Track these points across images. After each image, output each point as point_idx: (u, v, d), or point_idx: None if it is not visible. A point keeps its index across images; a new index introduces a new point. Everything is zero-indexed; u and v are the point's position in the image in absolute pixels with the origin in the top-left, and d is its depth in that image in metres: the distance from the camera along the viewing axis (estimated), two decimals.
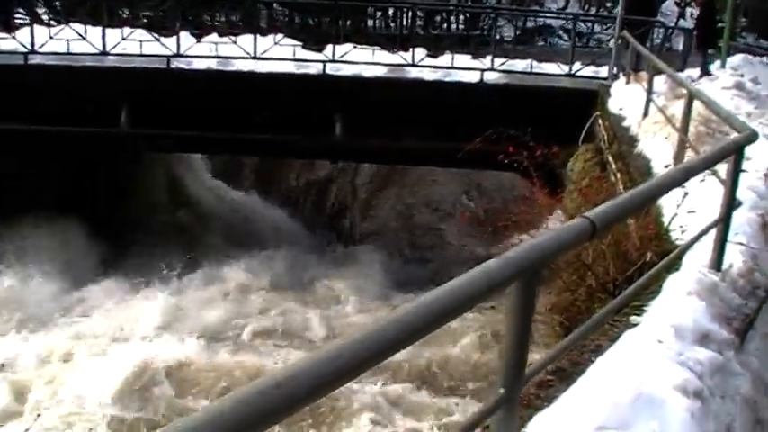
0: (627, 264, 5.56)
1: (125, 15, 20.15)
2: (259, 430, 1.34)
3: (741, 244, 5.21)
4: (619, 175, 8.23)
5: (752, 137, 4.90)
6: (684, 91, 8.81)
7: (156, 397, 9.24)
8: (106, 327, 11.55)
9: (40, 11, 21.81)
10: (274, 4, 22.23)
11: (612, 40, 14.45)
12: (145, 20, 20.17)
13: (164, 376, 9.55)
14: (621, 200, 3.12)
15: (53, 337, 11.09)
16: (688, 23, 26.98)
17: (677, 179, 3.72)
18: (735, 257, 5.00)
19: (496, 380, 2.36)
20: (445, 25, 27.05)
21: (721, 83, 11.86)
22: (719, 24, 15.49)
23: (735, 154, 4.63)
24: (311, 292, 13.77)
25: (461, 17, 27.11)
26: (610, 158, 9.15)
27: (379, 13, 26.52)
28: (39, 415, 8.89)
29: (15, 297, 12.24)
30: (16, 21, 18.64)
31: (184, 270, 13.95)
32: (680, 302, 4.12)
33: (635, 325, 4.00)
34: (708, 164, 4.18)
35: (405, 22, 24.93)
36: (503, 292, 2.22)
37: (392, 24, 26.19)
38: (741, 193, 5.22)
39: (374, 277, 14.34)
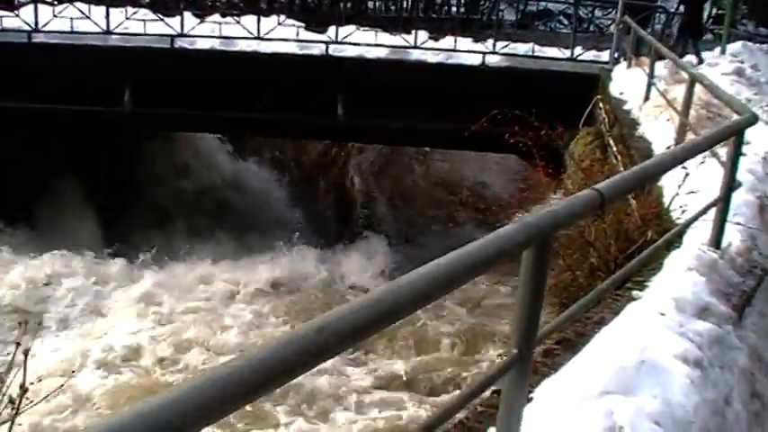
0: (628, 242, 5.68)
1: None
2: (299, 372, 1.46)
3: (739, 224, 5.33)
4: (620, 157, 8.34)
5: (752, 119, 5.01)
6: (685, 76, 8.93)
7: None
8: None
9: None
10: None
11: (613, 25, 14.54)
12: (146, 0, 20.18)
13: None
14: (627, 173, 3.24)
15: None
16: None
17: (681, 156, 3.83)
18: (733, 237, 5.12)
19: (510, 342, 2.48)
20: (446, 8, 27.06)
21: (721, 69, 11.96)
22: (720, 11, 15.65)
23: (736, 135, 4.74)
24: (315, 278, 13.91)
25: (462, 0, 27.15)
26: (611, 141, 9.26)
27: None
28: None
29: None
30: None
31: (182, 255, 14.11)
32: (681, 277, 4.24)
33: (637, 299, 4.12)
34: (711, 143, 4.29)
35: (405, 5, 24.98)
36: (518, 256, 2.33)
37: (392, 7, 26.24)
38: (740, 176, 5.33)
39: (377, 262, 14.46)
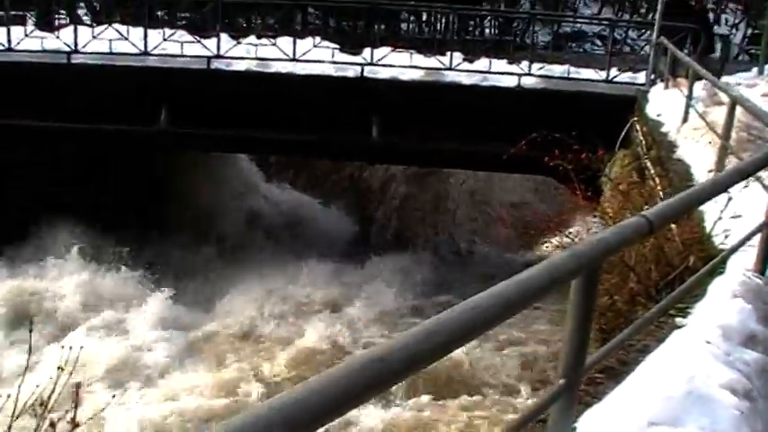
0: (669, 268, 5.60)
1: (163, 17, 20.45)
2: (362, 401, 1.44)
3: None
4: (658, 180, 8.25)
5: None
6: (724, 97, 8.84)
7: None
8: None
9: (81, 11, 22.19)
10: (309, 8, 22.38)
11: (648, 47, 14.47)
12: (183, 21, 20.47)
13: None
14: (674, 200, 3.19)
15: None
16: (722, 30, 26.83)
17: (726, 182, 3.77)
18: None
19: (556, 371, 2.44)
20: (479, 30, 27.12)
21: (760, 90, 11.83)
22: (756, 31, 15.63)
23: None
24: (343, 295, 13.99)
25: (495, 22, 27.20)
26: (648, 164, 9.17)
27: (412, 18, 26.69)
28: None
29: None
30: (59, 21, 19.06)
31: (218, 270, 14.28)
32: (725, 304, 4.16)
33: (680, 326, 4.05)
34: (756, 167, 4.23)
35: (438, 27, 25.06)
36: (567, 285, 2.30)
37: (426, 29, 26.35)
38: None
39: (409, 280, 14.48)
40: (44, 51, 13.21)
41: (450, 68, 13.37)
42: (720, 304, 4.18)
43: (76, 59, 13.14)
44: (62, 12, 20.89)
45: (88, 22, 18.06)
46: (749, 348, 3.77)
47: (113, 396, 7.01)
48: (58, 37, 13.61)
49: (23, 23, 16.45)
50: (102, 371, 10.59)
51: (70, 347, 4.15)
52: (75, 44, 13.14)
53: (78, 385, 3.65)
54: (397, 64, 13.37)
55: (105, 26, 13.71)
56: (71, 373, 3.73)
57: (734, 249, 4.52)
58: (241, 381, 10.65)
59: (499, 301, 1.95)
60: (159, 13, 19.67)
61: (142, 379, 10.65)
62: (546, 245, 14.21)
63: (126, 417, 9.29)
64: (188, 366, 11.11)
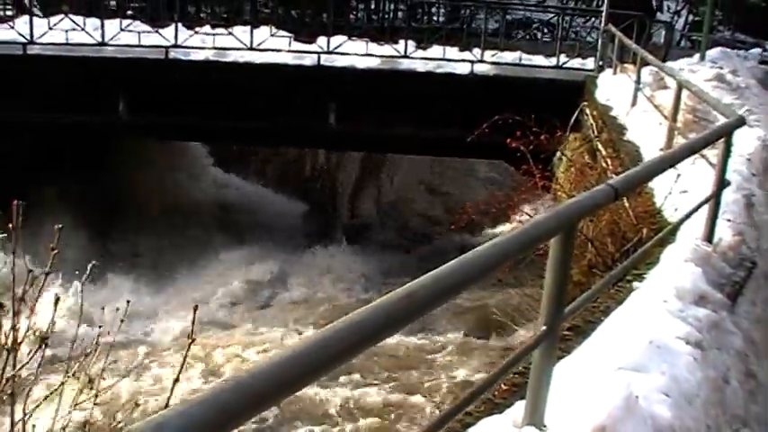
0: (624, 240, 6.00)
1: (112, 7, 20.32)
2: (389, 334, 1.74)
3: (729, 220, 5.66)
4: (609, 161, 8.67)
5: (740, 121, 5.36)
6: (670, 82, 9.30)
7: None
8: None
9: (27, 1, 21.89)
10: None
11: (595, 34, 14.95)
12: (131, 11, 20.37)
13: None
14: (634, 171, 3.55)
15: None
16: (665, 16, 27.55)
17: (678, 156, 4.15)
18: (724, 232, 5.45)
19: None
20: (426, 18, 27.44)
21: (702, 75, 12.33)
22: (696, 18, 16.12)
23: (726, 137, 5.08)
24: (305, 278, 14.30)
25: (442, 10, 27.54)
26: (599, 146, 9.59)
27: (362, 6, 26.93)
28: None
29: None
30: (5, 12, 18.81)
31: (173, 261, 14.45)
32: (678, 269, 4.55)
33: (638, 289, 4.43)
34: (704, 143, 4.63)
35: (388, 16, 25.33)
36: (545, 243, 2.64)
37: (374, 17, 26.61)
38: (728, 175, 5.66)
39: (367, 268, 14.82)
40: None
41: (405, 56, 13.67)
42: (673, 269, 4.58)
43: (32, 50, 13.11)
44: (8, 3, 20.61)
45: (38, 13, 17.89)
46: (700, 306, 4.17)
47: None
48: (12, 27, 13.56)
49: None
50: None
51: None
52: (31, 35, 13.11)
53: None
54: (352, 52, 13.61)
55: (61, 17, 13.68)
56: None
57: (684, 219, 4.91)
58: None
59: (493, 252, 2.26)
60: (112, 1, 19.54)
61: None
62: (500, 227, 14.63)
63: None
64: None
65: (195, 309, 3.67)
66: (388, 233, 17.71)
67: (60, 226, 3.79)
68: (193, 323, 3.73)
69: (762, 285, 5.41)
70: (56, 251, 3.74)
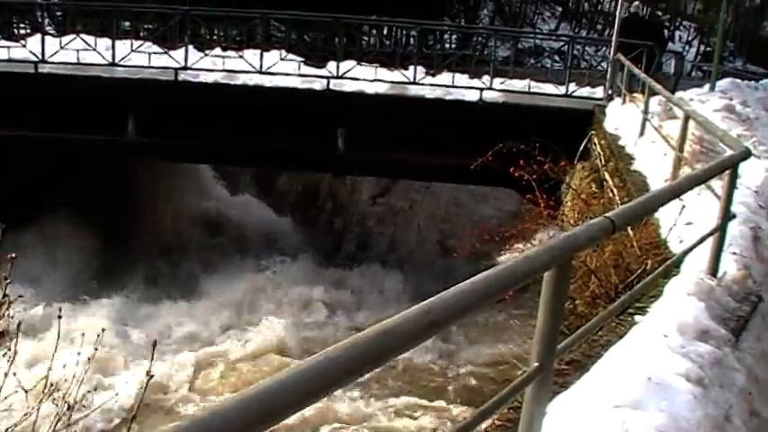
0: (628, 272, 5.92)
1: (128, 28, 20.45)
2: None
3: (735, 253, 5.58)
4: (616, 191, 8.61)
5: (746, 153, 5.29)
6: (678, 112, 9.24)
7: None
8: None
9: (44, 21, 22.05)
10: (271, 21, 22.54)
11: (605, 63, 14.93)
12: (146, 33, 20.49)
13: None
14: (633, 204, 3.49)
15: None
16: (677, 46, 27.56)
17: (681, 188, 4.09)
18: (729, 266, 5.36)
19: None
20: (438, 45, 27.51)
21: (712, 105, 12.28)
22: (708, 48, 16.09)
23: (731, 168, 5.01)
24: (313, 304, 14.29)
25: (454, 37, 27.61)
26: (606, 175, 9.53)
27: (374, 31, 27.02)
28: None
29: None
30: (20, 31, 18.98)
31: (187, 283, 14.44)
32: (681, 303, 4.47)
33: (640, 323, 4.35)
34: (709, 175, 4.56)
35: (398, 41, 25.41)
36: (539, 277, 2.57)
37: (386, 42, 26.69)
38: (734, 208, 5.59)
39: (377, 291, 14.78)
40: (11, 61, 13.25)
41: (413, 82, 13.67)
42: (676, 302, 4.50)
43: (44, 69, 13.19)
44: (25, 22, 20.80)
45: (52, 32, 18.01)
46: (702, 342, 4.08)
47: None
48: (24, 46, 13.65)
49: None
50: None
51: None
52: (43, 54, 13.20)
53: None
54: (362, 77, 13.63)
55: (73, 36, 13.76)
56: None
57: (687, 252, 4.83)
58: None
59: (482, 287, 2.21)
60: (126, 23, 19.66)
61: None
62: (505, 254, 14.52)
63: None
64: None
65: (154, 344, 3.66)
66: (400, 254, 17.66)
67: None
68: (152, 359, 3.73)
69: None
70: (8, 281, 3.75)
